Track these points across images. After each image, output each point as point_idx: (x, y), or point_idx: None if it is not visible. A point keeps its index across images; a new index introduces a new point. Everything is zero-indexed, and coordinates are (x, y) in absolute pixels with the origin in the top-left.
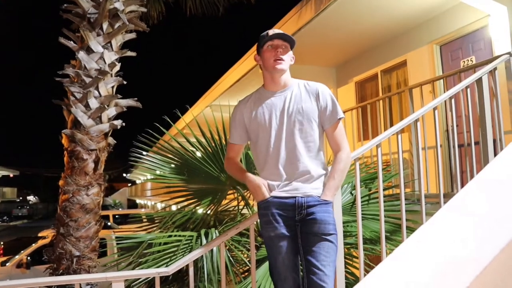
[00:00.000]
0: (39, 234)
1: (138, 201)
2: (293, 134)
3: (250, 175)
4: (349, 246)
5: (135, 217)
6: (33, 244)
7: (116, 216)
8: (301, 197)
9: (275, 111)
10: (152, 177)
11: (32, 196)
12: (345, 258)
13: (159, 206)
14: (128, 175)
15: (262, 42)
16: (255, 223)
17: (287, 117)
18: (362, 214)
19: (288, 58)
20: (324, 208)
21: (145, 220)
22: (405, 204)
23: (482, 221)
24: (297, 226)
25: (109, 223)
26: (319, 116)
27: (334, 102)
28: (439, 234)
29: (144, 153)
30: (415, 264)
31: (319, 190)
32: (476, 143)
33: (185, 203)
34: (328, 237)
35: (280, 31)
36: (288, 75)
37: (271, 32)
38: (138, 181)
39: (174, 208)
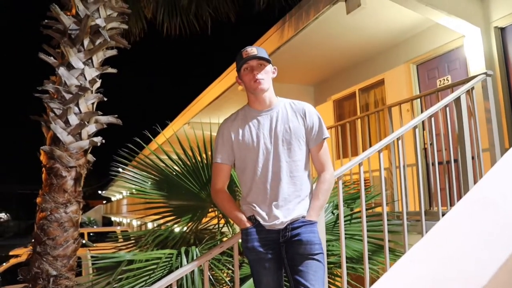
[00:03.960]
0: (11, 253)
1: (113, 218)
2: (281, 154)
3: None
4: (331, 265)
5: (114, 236)
6: (4, 263)
7: (91, 234)
8: (283, 225)
9: (262, 130)
10: (129, 193)
11: (3, 214)
12: (328, 277)
13: (135, 223)
14: (104, 192)
15: (238, 66)
16: (239, 241)
17: (275, 137)
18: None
19: (267, 76)
20: (309, 228)
21: (121, 240)
22: (387, 224)
23: (479, 237)
24: (282, 247)
25: (84, 241)
26: (305, 135)
27: (320, 122)
28: (433, 252)
29: (121, 170)
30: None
31: (304, 211)
32: (455, 160)
33: (164, 220)
34: (315, 257)
35: (254, 51)
36: (271, 92)
37: (244, 53)
38: (113, 198)
39: (150, 225)
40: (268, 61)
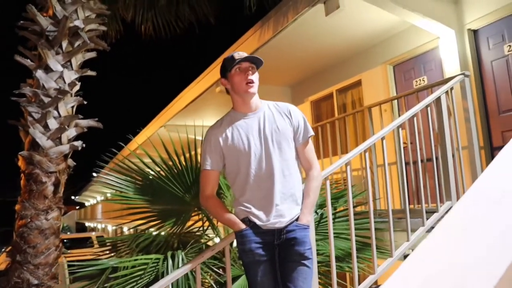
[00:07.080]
0: None
1: (87, 224)
2: (273, 154)
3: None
4: (318, 264)
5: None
6: None
7: (65, 241)
8: (281, 224)
9: (252, 132)
10: (110, 196)
11: None
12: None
13: (110, 228)
14: (77, 197)
15: (229, 66)
16: (229, 244)
17: (264, 138)
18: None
19: (257, 80)
20: (303, 233)
21: (96, 246)
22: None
23: (479, 243)
24: (276, 250)
25: None
26: (292, 134)
27: (305, 121)
28: (434, 256)
29: (97, 174)
30: None
31: (298, 211)
32: (436, 158)
33: (147, 225)
34: (305, 262)
35: (246, 55)
36: (257, 96)
37: (236, 55)
38: (87, 204)
39: (125, 230)
40: (258, 67)
